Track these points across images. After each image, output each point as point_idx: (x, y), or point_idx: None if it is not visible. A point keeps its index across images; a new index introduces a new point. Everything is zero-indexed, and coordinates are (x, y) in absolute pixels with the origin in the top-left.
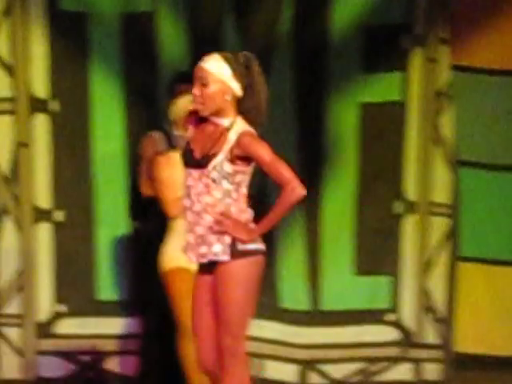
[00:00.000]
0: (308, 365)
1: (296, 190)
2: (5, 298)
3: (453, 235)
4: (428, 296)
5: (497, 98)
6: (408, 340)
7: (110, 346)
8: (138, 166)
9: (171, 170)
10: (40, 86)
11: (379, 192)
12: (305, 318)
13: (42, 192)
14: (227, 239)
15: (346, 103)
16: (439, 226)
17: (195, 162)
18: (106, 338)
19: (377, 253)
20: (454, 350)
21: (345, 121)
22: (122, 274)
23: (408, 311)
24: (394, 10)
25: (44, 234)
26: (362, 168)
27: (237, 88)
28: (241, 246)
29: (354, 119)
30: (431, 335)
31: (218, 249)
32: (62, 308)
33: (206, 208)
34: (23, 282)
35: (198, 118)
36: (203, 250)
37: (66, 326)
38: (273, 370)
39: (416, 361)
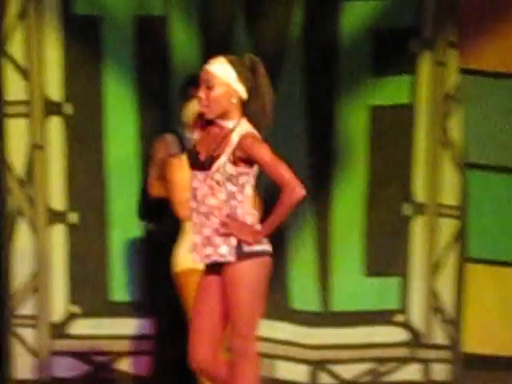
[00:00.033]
0: (318, 365)
1: (295, 190)
2: (20, 299)
3: (461, 237)
4: (436, 297)
5: (504, 101)
6: (417, 341)
7: (123, 346)
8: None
9: (183, 172)
10: (54, 89)
11: (388, 194)
12: (315, 319)
13: (56, 194)
14: (233, 241)
15: (355, 106)
16: (448, 227)
17: (200, 164)
18: (120, 338)
19: (386, 254)
20: (462, 351)
21: (355, 123)
22: (135, 275)
23: (417, 312)
24: (403, 14)
25: (58, 236)
26: (372, 170)
27: (242, 91)
28: (247, 248)
29: (363, 122)
30: (440, 336)
31: (225, 250)
32: (76, 309)
33: (212, 210)
34: (38, 284)
35: (204, 121)
36: (208, 251)
37: (80, 327)
38: (284, 370)
39: (425, 361)
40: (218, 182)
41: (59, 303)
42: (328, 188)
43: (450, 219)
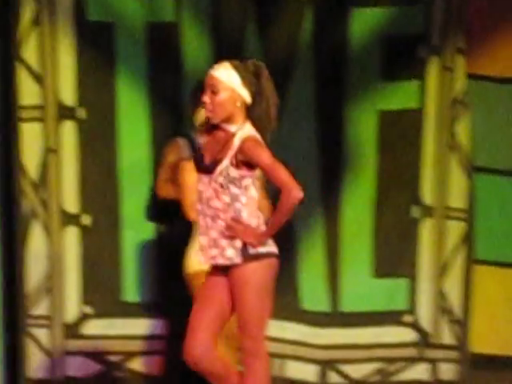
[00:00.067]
0: (328, 365)
1: (292, 192)
2: (34, 300)
3: (468, 239)
4: (444, 298)
5: (510, 106)
6: (425, 341)
7: (135, 346)
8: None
9: (195, 176)
10: (68, 94)
11: (397, 197)
12: (325, 320)
13: (69, 197)
14: (238, 243)
15: (365, 111)
16: (455, 229)
17: (205, 167)
18: (132, 338)
19: (395, 256)
20: (470, 351)
21: (364, 127)
22: (147, 276)
23: (425, 313)
24: (411, 21)
25: (72, 238)
26: (381, 173)
27: (246, 95)
28: (252, 250)
29: (373, 126)
30: (447, 336)
31: (231, 253)
32: (89, 309)
33: (217, 213)
34: (51, 285)
35: (210, 125)
36: (213, 252)
37: (93, 327)
38: (294, 369)
39: (432, 361)
40: (221, 185)
41: (72, 304)
42: (338, 191)
43: (458, 221)
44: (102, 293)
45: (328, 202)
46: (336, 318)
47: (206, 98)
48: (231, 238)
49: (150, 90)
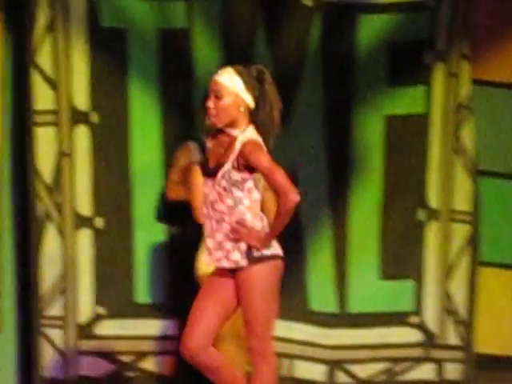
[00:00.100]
0: (335, 365)
1: (289, 196)
2: (48, 301)
3: (473, 241)
4: (450, 299)
5: None
6: (431, 341)
7: (148, 346)
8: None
9: None
10: (81, 98)
11: (403, 200)
12: (332, 320)
13: (82, 200)
14: (243, 246)
15: (372, 116)
16: (460, 232)
17: (210, 171)
18: (144, 338)
19: (401, 258)
20: (475, 351)
21: (371, 132)
22: (159, 277)
23: (431, 314)
24: (417, 27)
25: (85, 240)
26: (387, 177)
27: (249, 100)
28: (257, 253)
29: (379, 131)
30: (453, 337)
31: (237, 256)
32: (102, 310)
33: (222, 216)
34: (65, 286)
35: (216, 129)
36: (218, 254)
37: (106, 328)
38: (302, 369)
39: (438, 361)
40: (224, 188)
41: (86, 305)
42: (345, 195)
43: (463, 224)
44: (114, 294)
45: (336, 205)
46: (344, 319)
47: (210, 103)
48: (236, 240)
49: (161, 95)
